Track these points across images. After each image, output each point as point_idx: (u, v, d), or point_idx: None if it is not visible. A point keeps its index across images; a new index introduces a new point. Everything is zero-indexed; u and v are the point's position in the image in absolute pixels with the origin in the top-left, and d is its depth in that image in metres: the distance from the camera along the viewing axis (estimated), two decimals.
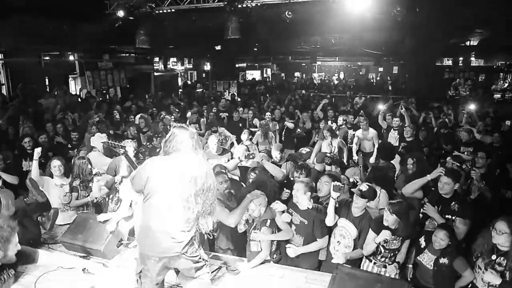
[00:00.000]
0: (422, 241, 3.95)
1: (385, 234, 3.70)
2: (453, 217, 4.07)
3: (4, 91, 12.49)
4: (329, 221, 3.96)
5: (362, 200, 3.93)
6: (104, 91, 14.48)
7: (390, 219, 3.74)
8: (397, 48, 16.03)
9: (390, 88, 20.22)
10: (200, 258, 2.98)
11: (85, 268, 4.09)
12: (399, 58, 21.38)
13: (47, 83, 13.98)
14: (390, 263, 3.87)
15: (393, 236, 3.77)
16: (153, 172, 2.80)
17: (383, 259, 3.86)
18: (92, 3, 10.21)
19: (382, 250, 3.83)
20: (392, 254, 3.85)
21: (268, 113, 9.40)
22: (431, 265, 3.74)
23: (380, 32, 14.02)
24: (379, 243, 3.79)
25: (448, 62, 23.09)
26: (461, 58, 21.44)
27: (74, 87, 15.46)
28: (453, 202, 4.11)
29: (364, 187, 3.97)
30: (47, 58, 14.27)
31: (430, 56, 14.57)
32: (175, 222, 2.82)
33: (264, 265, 4.15)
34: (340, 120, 8.82)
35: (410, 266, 4.10)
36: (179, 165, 2.79)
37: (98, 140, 5.93)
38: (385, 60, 23.51)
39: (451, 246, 3.64)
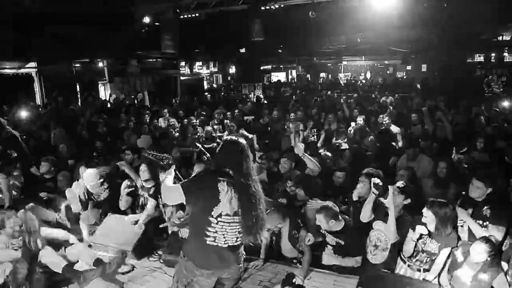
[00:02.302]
0: (459, 254, 3.60)
1: (421, 230, 3.54)
2: (485, 223, 3.82)
3: (38, 99, 13.00)
4: (365, 217, 3.88)
5: (400, 197, 3.80)
6: (132, 96, 14.81)
7: (428, 216, 3.56)
8: (425, 45, 15.64)
9: (419, 86, 19.70)
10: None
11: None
12: (428, 56, 20.80)
13: (78, 89, 14.44)
14: (427, 268, 3.61)
15: (430, 238, 3.59)
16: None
17: (418, 262, 3.64)
18: (119, 11, 10.48)
19: (419, 251, 3.63)
20: (428, 258, 3.60)
21: (292, 114, 9.35)
22: (469, 281, 3.41)
23: (407, 29, 13.72)
24: (416, 242, 3.62)
25: (479, 58, 22.28)
26: (493, 54, 20.64)
27: (104, 92, 15.90)
28: (485, 207, 3.87)
29: (401, 184, 3.87)
30: (78, 65, 14.75)
31: (460, 52, 14.12)
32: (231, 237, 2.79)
33: (291, 268, 4.14)
34: (360, 120, 8.66)
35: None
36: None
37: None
38: (413, 58, 22.92)
39: (491, 261, 3.32)
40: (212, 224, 2.68)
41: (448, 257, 3.65)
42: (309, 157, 4.90)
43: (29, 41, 10.27)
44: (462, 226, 3.92)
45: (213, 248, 2.71)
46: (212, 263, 2.74)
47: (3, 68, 12.54)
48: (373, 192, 3.75)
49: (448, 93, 12.55)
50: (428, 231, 3.61)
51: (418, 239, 3.64)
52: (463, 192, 4.19)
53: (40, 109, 10.69)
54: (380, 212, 3.91)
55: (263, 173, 5.60)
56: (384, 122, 8.00)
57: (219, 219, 2.68)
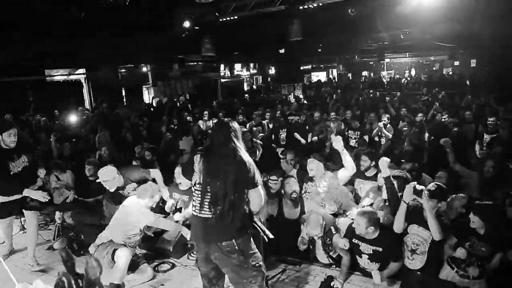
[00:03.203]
0: None
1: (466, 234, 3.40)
2: None
3: (86, 103, 13.66)
4: (399, 228, 3.69)
5: (432, 201, 3.63)
6: (175, 99, 15.21)
7: (475, 221, 3.40)
8: (474, 39, 14.82)
9: (468, 83, 18.74)
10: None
11: (156, 267, 4.34)
12: (478, 51, 19.73)
13: (123, 93, 15.03)
14: (476, 275, 3.40)
15: (480, 242, 3.40)
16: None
17: (467, 268, 3.44)
18: (160, 16, 10.80)
19: (467, 255, 3.43)
20: (479, 262, 3.40)
21: (333, 113, 9.20)
22: None
23: (454, 23, 13.07)
24: (466, 246, 3.44)
25: None
26: None
27: (148, 96, 16.45)
28: None
29: (432, 186, 3.70)
30: (123, 70, 15.36)
31: None
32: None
33: (327, 269, 4.08)
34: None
35: None
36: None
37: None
38: (461, 53, 21.83)
39: None
40: (193, 194, 2.88)
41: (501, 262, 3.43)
42: (347, 154, 4.54)
43: (78, 49, 10.82)
44: None
45: (196, 218, 2.87)
46: (194, 234, 2.90)
47: (54, 75, 13.32)
48: (403, 201, 3.60)
49: (499, 89, 11.86)
50: (478, 234, 3.43)
51: (466, 243, 3.46)
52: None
53: (88, 113, 11.20)
54: (414, 215, 3.74)
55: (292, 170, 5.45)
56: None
57: (194, 187, 2.85)
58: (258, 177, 2.81)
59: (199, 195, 2.82)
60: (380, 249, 3.74)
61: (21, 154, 4.20)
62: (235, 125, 2.88)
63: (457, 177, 4.97)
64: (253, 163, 2.81)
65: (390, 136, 7.43)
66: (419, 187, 3.52)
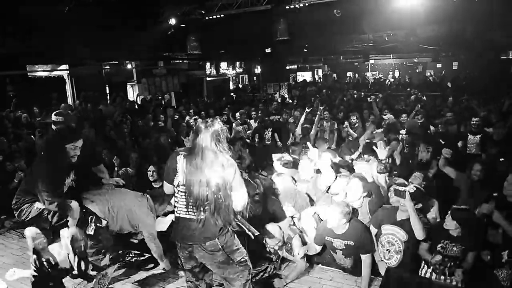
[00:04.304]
0: (505, 255, 3.50)
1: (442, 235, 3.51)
2: None
3: (69, 100, 13.43)
4: (420, 235, 3.67)
5: (409, 202, 3.70)
6: (160, 97, 15.08)
7: (450, 224, 3.57)
8: (457, 42, 15.13)
9: (449, 85, 19.12)
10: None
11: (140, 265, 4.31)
12: (460, 53, 20.13)
13: (107, 91, 14.83)
14: (450, 274, 3.56)
15: (452, 243, 3.56)
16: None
17: (441, 267, 3.59)
18: (146, 13, 10.70)
19: (440, 257, 3.59)
20: (452, 263, 3.56)
21: (326, 112, 9.31)
22: (507, 283, 3.34)
23: (438, 26, 13.31)
24: (437, 249, 3.60)
25: None
26: None
27: (132, 93, 16.27)
28: None
29: (411, 188, 3.80)
30: (107, 67, 15.15)
31: (494, 49, 13.60)
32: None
33: (314, 268, 4.13)
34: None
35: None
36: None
37: None
38: (444, 56, 22.27)
39: None
40: (175, 194, 2.87)
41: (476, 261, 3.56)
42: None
43: (61, 45, 10.63)
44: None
45: (178, 218, 2.87)
46: (178, 234, 2.89)
47: (36, 70, 13.05)
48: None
49: (481, 91, 12.13)
50: (452, 236, 3.59)
51: (439, 245, 3.61)
52: (495, 194, 4.06)
53: (71, 110, 11.01)
54: (388, 216, 3.89)
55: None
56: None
57: (178, 188, 2.85)
58: (241, 179, 2.82)
59: (183, 197, 2.82)
60: (352, 243, 3.83)
61: None
62: (219, 125, 2.85)
63: (446, 179, 5.06)
64: (236, 166, 2.81)
65: (355, 135, 7.51)
66: (401, 188, 3.61)
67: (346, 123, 7.76)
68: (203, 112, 10.74)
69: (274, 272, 3.98)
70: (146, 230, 4.02)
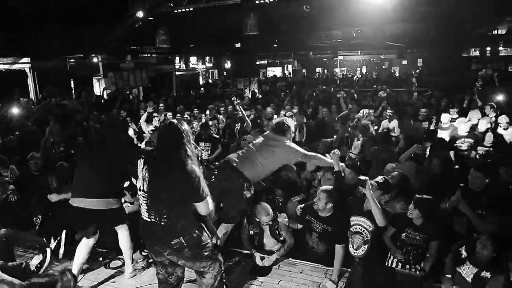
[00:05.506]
0: (463, 251, 3.61)
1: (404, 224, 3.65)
2: (483, 212, 3.91)
3: (31, 94, 12.91)
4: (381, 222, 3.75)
5: (377, 192, 3.86)
6: (127, 91, 14.74)
7: (414, 213, 3.68)
8: (421, 39, 15.59)
9: (414, 81, 19.71)
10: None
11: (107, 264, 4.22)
12: (424, 50, 20.76)
13: (72, 85, 14.35)
14: (414, 262, 3.71)
15: (416, 232, 3.69)
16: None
17: (406, 255, 3.73)
18: (113, 5, 10.39)
19: (405, 245, 3.72)
20: (415, 251, 3.69)
21: (288, 106, 9.38)
22: (470, 278, 3.40)
23: (403, 24, 13.67)
24: (402, 237, 3.72)
25: (475, 52, 22.30)
26: (488, 48, 20.64)
27: (98, 88, 15.81)
28: (484, 197, 3.97)
29: (381, 179, 3.94)
30: (72, 60, 14.64)
31: (456, 46, 14.10)
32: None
33: (283, 261, 4.17)
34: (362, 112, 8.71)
35: (450, 276, 3.55)
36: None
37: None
38: (409, 53, 22.92)
39: (496, 259, 3.28)
40: (139, 197, 2.84)
41: (439, 250, 3.69)
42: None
43: (22, 37, 10.17)
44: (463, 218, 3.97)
45: (143, 220, 2.83)
46: (144, 234, 2.90)
47: None
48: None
49: (443, 87, 12.55)
50: (415, 225, 3.72)
51: (402, 233, 3.74)
52: (461, 184, 4.22)
53: (33, 105, 10.59)
54: (355, 207, 4.01)
55: None
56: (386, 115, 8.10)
57: (139, 192, 2.82)
58: (205, 188, 2.72)
59: (145, 201, 2.77)
60: (330, 229, 3.93)
61: None
62: (184, 127, 2.76)
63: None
64: (200, 174, 2.71)
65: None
66: (362, 177, 3.72)
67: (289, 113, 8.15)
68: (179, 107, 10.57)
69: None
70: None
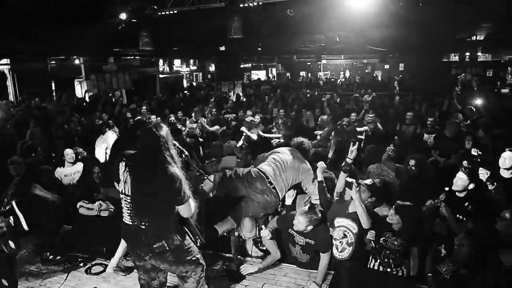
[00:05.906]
0: (442, 249, 3.67)
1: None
2: (464, 218, 3.93)
3: (11, 96, 12.64)
4: (366, 224, 3.77)
5: (365, 194, 3.89)
6: (110, 94, 14.56)
7: (394, 219, 3.72)
8: (403, 45, 15.88)
9: (396, 85, 20.05)
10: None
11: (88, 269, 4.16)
12: (405, 55, 21.17)
13: (53, 87, 14.12)
14: (395, 265, 3.71)
15: (394, 237, 3.71)
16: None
17: (386, 259, 3.74)
18: (95, 7, 10.25)
19: (383, 249, 3.73)
20: (393, 256, 3.70)
21: (275, 109, 9.43)
22: (449, 276, 3.46)
23: (386, 29, 13.88)
24: (379, 241, 3.75)
25: (455, 57, 22.83)
26: (467, 54, 21.17)
27: (80, 90, 15.59)
28: (467, 203, 3.99)
29: (369, 181, 3.99)
30: (53, 62, 14.40)
31: (437, 52, 14.41)
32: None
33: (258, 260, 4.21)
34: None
35: (430, 275, 3.63)
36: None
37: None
38: (391, 57, 23.32)
39: (474, 257, 3.35)
40: (121, 200, 2.81)
41: (421, 254, 3.75)
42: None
43: (1, 38, 9.95)
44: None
45: (124, 224, 2.80)
46: (126, 237, 2.90)
47: None
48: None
49: (424, 91, 12.80)
50: (394, 230, 3.74)
51: (380, 237, 3.76)
52: (447, 188, 4.27)
53: (12, 107, 10.36)
54: (340, 208, 4.01)
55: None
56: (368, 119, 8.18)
57: (121, 195, 2.79)
58: (187, 191, 2.70)
59: (127, 205, 2.75)
60: (312, 242, 3.93)
61: None
62: (164, 131, 2.72)
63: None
64: (182, 177, 2.68)
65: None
66: (349, 179, 3.76)
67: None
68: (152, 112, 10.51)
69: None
70: None
